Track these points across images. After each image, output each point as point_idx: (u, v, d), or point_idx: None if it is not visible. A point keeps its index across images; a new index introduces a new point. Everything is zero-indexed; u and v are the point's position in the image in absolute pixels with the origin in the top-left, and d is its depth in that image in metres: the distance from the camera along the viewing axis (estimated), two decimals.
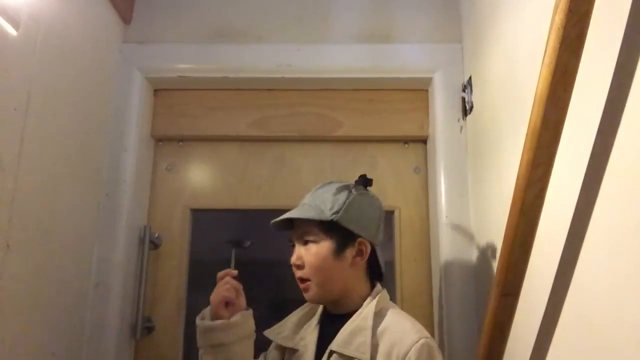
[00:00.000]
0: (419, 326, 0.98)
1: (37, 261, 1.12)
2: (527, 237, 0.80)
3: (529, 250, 0.82)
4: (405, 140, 1.59)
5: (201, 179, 1.58)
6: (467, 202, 1.41)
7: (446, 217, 1.41)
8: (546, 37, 0.70)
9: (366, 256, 1.05)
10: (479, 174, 1.35)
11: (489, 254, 1.23)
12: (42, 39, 1.12)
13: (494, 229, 1.19)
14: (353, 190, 1.07)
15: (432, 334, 1.45)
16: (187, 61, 1.54)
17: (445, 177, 1.44)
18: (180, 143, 1.60)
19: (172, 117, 1.58)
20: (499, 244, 1.16)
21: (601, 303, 0.71)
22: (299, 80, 1.55)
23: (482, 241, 1.30)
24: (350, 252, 1.04)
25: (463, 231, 1.39)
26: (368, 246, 1.05)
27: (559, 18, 0.66)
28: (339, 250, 1.03)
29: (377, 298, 1.03)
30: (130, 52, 1.53)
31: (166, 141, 1.61)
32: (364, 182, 1.13)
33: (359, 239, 1.04)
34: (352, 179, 1.14)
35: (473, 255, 1.37)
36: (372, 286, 1.07)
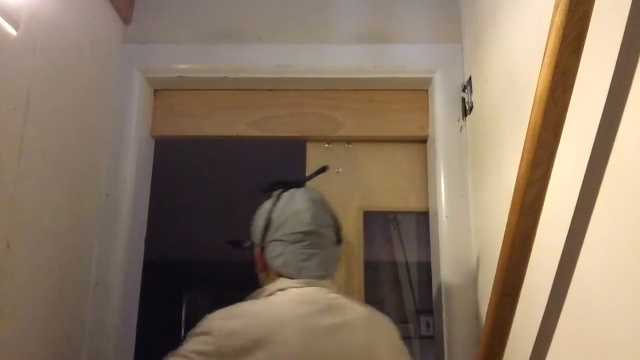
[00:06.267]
0: (217, 313, 0.99)
1: (37, 261, 1.12)
2: (527, 237, 0.80)
3: (529, 251, 0.82)
4: (405, 140, 1.59)
5: (372, 179, 1.57)
6: (467, 202, 1.41)
7: (446, 217, 1.41)
8: (546, 37, 0.70)
9: (257, 260, 1.14)
10: (479, 174, 1.35)
11: (489, 254, 1.23)
12: (42, 39, 1.12)
13: (494, 229, 1.19)
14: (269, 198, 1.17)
15: (432, 335, 1.45)
16: (187, 61, 1.54)
17: (445, 177, 1.44)
18: (349, 146, 1.59)
19: (172, 117, 1.58)
20: (499, 244, 1.15)
21: (601, 303, 0.71)
22: (299, 80, 1.55)
23: (482, 241, 1.30)
24: (256, 259, 1.14)
25: (463, 231, 1.39)
26: (256, 250, 1.14)
27: (559, 18, 0.66)
28: (254, 260, 1.16)
29: (254, 293, 1.09)
30: (130, 52, 1.53)
31: (334, 142, 1.59)
32: (282, 186, 1.19)
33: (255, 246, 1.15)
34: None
35: (473, 255, 1.37)
36: None
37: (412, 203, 1.55)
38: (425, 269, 1.53)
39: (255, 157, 2.64)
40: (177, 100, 1.59)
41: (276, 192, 1.17)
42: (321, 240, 1.10)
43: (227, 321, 0.96)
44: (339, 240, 1.15)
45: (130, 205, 1.45)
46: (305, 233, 1.08)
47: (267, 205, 1.15)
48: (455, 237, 1.39)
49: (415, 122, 1.56)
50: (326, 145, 1.58)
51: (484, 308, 1.11)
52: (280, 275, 1.07)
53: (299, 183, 1.20)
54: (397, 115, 1.57)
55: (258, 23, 1.57)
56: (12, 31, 1.02)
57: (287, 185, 1.18)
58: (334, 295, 1.05)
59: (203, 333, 0.96)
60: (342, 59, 1.53)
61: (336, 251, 1.14)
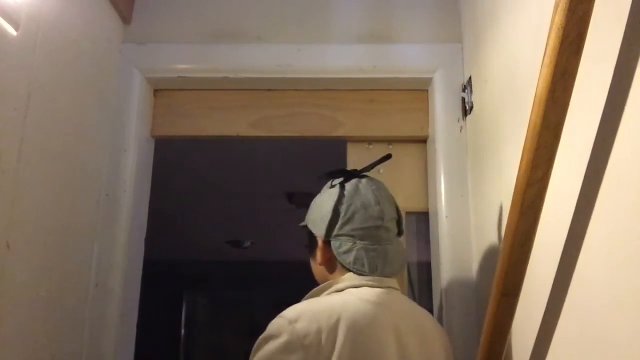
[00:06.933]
0: (292, 313, 0.92)
1: (37, 261, 1.12)
2: (527, 238, 0.80)
3: (529, 251, 0.82)
4: (405, 140, 1.59)
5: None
6: (467, 202, 1.41)
7: (446, 217, 1.41)
8: (546, 37, 0.70)
9: (319, 253, 1.06)
10: (479, 174, 1.35)
11: (489, 254, 1.23)
12: (42, 39, 1.12)
13: (494, 229, 1.19)
14: (326, 187, 1.11)
15: None
16: (187, 61, 1.54)
17: (445, 177, 1.44)
18: (390, 146, 1.55)
19: (172, 117, 1.58)
20: (499, 244, 1.16)
21: (601, 303, 0.71)
22: (299, 80, 1.55)
23: (482, 241, 1.30)
24: (317, 251, 1.07)
25: (463, 231, 1.39)
26: (319, 242, 1.06)
27: (559, 18, 0.66)
28: (310, 250, 1.10)
29: (319, 287, 1.05)
30: (130, 52, 1.53)
31: (376, 143, 1.55)
32: (341, 175, 1.11)
33: (316, 237, 1.07)
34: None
35: (473, 255, 1.37)
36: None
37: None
38: (425, 269, 1.53)
39: (269, 158, 2.63)
40: (177, 100, 1.59)
41: (337, 182, 1.11)
42: (388, 235, 1.06)
43: (311, 323, 0.89)
44: (399, 231, 1.11)
45: (130, 205, 1.45)
46: (376, 228, 1.04)
47: (330, 196, 1.08)
48: (455, 237, 1.39)
49: (415, 122, 1.56)
50: (368, 146, 1.57)
51: (484, 308, 1.11)
52: (349, 271, 1.03)
53: (360, 172, 1.13)
54: (397, 115, 1.57)
55: (258, 23, 1.57)
56: (12, 31, 1.02)
57: (347, 174, 1.12)
58: (403, 297, 1.06)
59: (274, 337, 0.89)
60: (342, 59, 1.53)
61: (401, 244, 1.10)
